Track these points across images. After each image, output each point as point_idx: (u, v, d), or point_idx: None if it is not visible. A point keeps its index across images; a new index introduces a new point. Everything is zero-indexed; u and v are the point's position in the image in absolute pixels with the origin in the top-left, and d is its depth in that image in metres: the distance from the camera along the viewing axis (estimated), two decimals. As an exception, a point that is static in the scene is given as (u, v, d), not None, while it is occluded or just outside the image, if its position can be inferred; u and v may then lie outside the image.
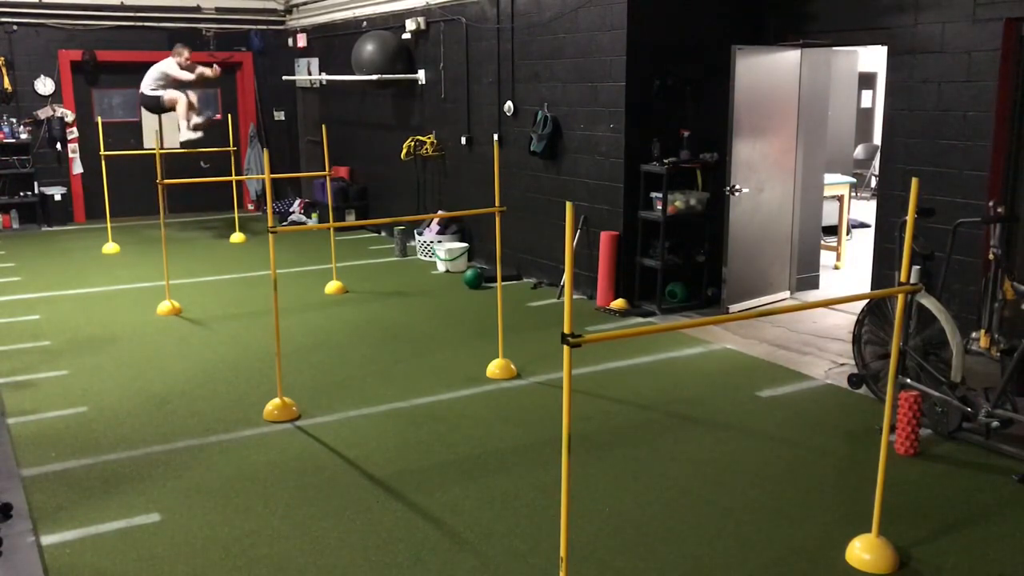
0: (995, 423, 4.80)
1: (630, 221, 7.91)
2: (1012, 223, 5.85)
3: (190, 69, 10.89)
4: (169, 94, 10.75)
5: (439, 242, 9.85)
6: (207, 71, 10.99)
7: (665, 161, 7.60)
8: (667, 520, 4.20)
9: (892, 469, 4.23)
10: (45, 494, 4.47)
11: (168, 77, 10.77)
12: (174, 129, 13.60)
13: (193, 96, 11.05)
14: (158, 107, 11.01)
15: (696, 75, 7.87)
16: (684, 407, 5.66)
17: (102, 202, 11.48)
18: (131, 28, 12.95)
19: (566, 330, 2.99)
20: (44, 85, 12.58)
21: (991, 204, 5.73)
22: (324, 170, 9.85)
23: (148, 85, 10.82)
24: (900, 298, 3.78)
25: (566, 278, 3.06)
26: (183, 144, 11.34)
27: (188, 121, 10.91)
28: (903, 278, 3.78)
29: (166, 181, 8.45)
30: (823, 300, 4.11)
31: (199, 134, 11.01)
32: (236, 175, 12.53)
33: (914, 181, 3.59)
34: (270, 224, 5.41)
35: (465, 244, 9.75)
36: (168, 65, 10.77)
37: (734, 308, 7.71)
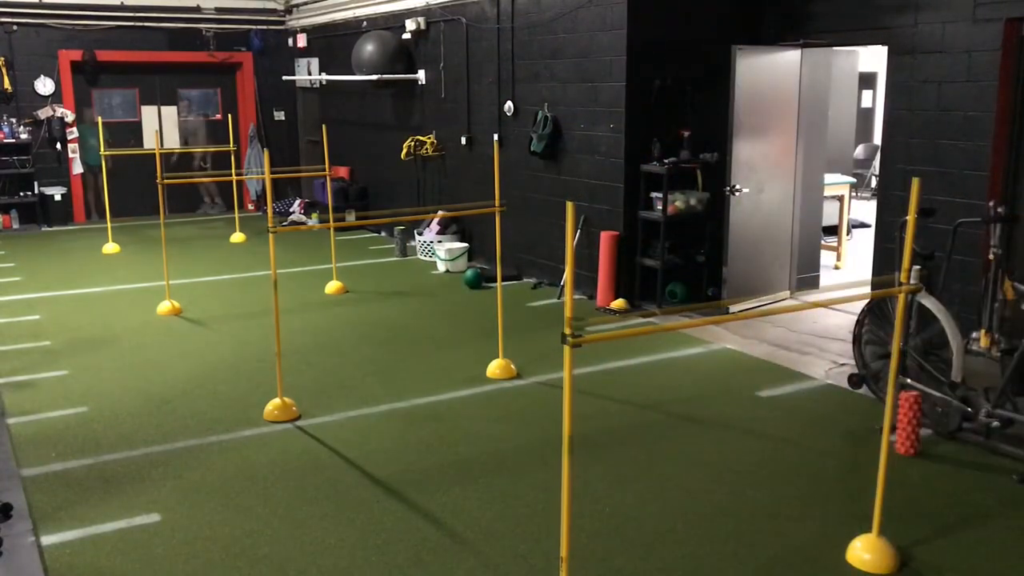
0: (995, 423, 4.80)
1: (630, 221, 7.90)
2: (1012, 223, 5.84)
3: None
4: None
5: (439, 242, 9.85)
6: None
7: (665, 161, 7.59)
8: (667, 520, 4.19)
9: (892, 469, 4.23)
10: (45, 494, 4.47)
11: None
12: (173, 129, 13.67)
13: None
14: None
15: (696, 75, 7.86)
16: (684, 407, 5.65)
17: (102, 202, 11.47)
18: (131, 28, 12.95)
19: (566, 330, 2.98)
20: (44, 85, 12.57)
21: (991, 204, 5.72)
22: (324, 171, 9.84)
23: None
24: (900, 298, 3.78)
25: (566, 277, 3.05)
26: None
27: None
28: (903, 278, 3.77)
29: (166, 180, 8.45)
30: (823, 300, 4.11)
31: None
32: (236, 175, 12.53)
33: (915, 181, 3.59)
34: (270, 224, 5.40)
35: (465, 244, 9.74)
36: None
37: (734, 308, 7.70)
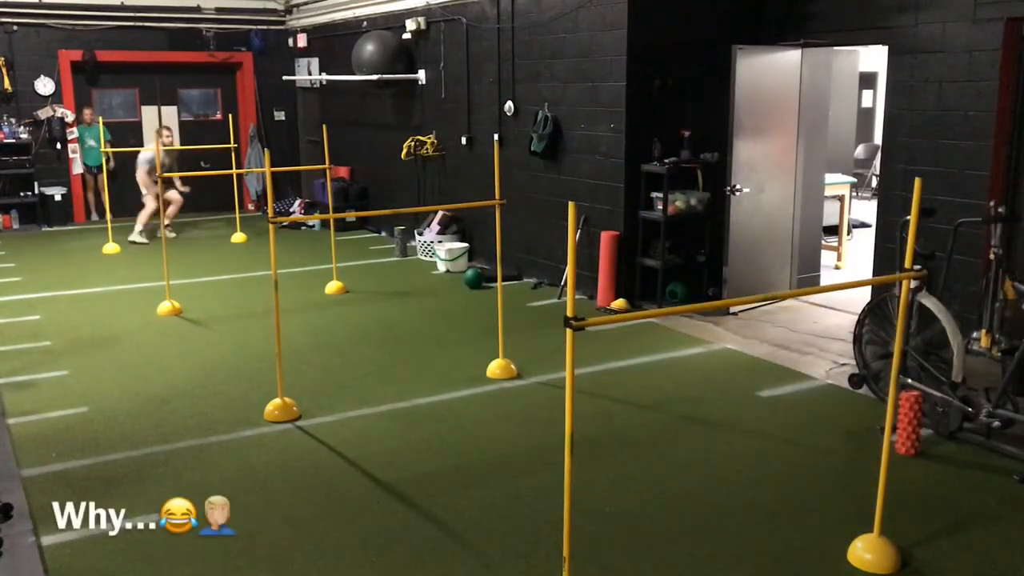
0: (996, 423, 4.80)
1: (631, 221, 7.90)
2: (1013, 223, 5.84)
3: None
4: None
5: (439, 242, 9.85)
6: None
7: (665, 161, 7.59)
8: (667, 520, 4.19)
9: (893, 469, 4.22)
10: (45, 494, 4.46)
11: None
12: (173, 129, 13.66)
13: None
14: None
15: (696, 75, 7.86)
16: (684, 407, 5.65)
17: (102, 202, 11.46)
18: (131, 28, 12.94)
19: (569, 314, 2.97)
20: (44, 85, 12.57)
21: (992, 204, 5.72)
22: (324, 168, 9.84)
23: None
24: (904, 284, 3.75)
25: (568, 272, 3.05)
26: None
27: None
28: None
29: (165, 175, 8.44)
30: (826, 286, 4.10)
31: (143, 240, 11.31)
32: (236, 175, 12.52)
33: (917, 181, 3.59)
34: (271, 215, 5.39)
35: (465, 244, 9.74)
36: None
37: (735, 309, 7.70)
